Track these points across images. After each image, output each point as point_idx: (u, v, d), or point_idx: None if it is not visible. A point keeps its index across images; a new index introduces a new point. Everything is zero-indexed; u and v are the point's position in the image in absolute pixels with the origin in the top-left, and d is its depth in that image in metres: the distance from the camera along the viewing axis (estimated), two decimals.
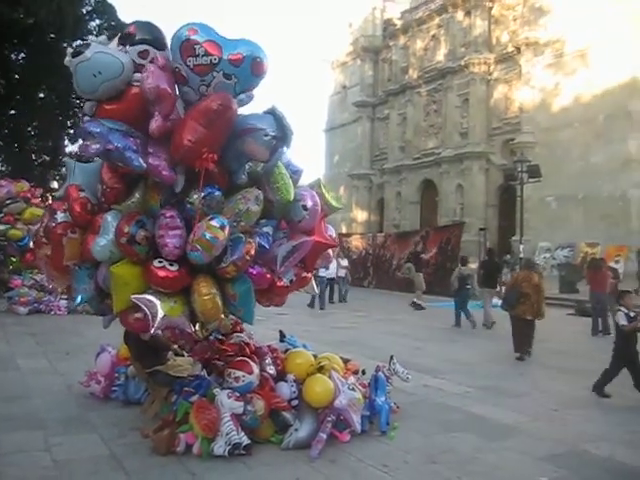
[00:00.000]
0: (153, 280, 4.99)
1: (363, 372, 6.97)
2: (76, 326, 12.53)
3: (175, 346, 6.04)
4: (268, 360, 6.21)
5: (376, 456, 5.40)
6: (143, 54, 4.99)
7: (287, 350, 6.81)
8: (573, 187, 31.61)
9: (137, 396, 6.67)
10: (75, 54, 4.86)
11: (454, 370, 9.46)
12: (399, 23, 48.38)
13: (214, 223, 4.87)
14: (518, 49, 36.00)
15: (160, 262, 4.99)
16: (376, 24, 52.32)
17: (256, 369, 5.73)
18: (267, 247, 5.41)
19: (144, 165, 4.85)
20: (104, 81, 4.80)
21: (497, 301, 20.05)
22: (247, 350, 6.25)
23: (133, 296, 4.90)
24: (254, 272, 5.38)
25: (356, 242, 31.81)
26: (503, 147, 37.48)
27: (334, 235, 6.40)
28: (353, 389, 5.95)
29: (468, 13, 40.33)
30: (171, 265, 4.98)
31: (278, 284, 5.69)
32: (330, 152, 58.00)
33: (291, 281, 5.82)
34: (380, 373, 6.56)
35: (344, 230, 47.56)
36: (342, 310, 18.92)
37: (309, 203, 5.62)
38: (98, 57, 4.82)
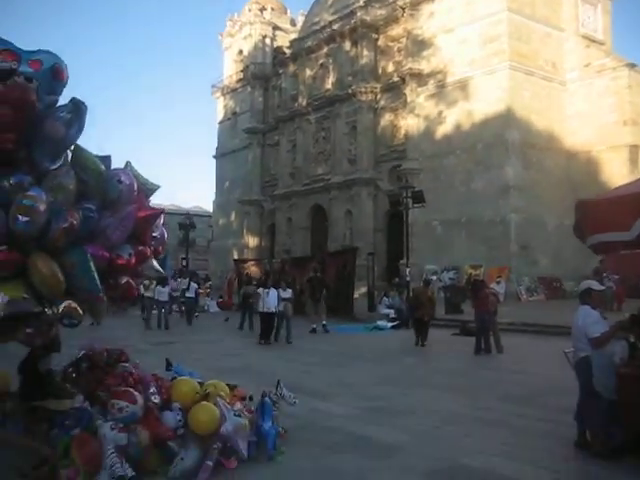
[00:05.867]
0: None
1: (250, 398, 6.88)
2: None
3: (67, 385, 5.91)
4: (153, 389, 6.06)
5: None
6: None
7: (173, 379, 6.70)
8: (457, 212, 32.87)
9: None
10: None
11: (341, 393, 9.50)
12: (288, 51, 49.13)
13: (31, 193, 4.79)
14: (403, 79, 37.18)
15: None
16: (266, 52, 52.93)
17: (140, 399, 5.61)
18: (93, 216, 5.31)
19: None
20: None
21: (386, 323, 20.50)
22: (131, 380, 6.09)
23: None
24: (90, 250, 5.21)
25: (254, 268, 31.55)
26: (390, 173, 38.48)
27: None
28: (239, 415, 5.89)
29: (355, 43, 41.40)
30: None
31: (119, 261, 5.56)
32: (221, 178, 57.65)
33: (130, 255, 5.66)
34: (266, 398, 6.49)
35: (236, 256, 47.22)
36: (234, 337, 18.61)
37: (123, 177, 5.61)
38: None
